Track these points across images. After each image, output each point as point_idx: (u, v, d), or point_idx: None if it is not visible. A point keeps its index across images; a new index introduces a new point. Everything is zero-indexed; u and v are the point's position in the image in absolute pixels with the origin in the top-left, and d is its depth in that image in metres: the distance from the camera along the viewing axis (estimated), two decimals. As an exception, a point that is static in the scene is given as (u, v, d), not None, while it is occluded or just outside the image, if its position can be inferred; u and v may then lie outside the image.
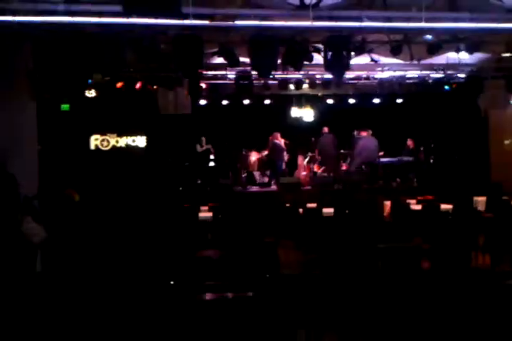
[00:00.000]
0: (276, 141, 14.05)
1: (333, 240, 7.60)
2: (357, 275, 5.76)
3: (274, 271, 5.94)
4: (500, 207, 9.71)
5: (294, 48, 9.24)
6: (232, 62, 9.60)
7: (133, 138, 14.24)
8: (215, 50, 9.17)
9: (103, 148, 14.22)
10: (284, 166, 14.78)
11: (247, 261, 6.06)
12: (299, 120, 14.81)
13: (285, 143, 14.52)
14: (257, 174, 15.36)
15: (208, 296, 4.52)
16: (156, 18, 7.53)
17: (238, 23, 8.08)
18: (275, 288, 4.77)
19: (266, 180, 15.10)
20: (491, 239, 7.26)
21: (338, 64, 9.59)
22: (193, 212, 10.00)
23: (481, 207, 9.94)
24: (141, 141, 14.45)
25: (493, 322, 4.27)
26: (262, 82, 11.63)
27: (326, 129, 14.43)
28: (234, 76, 11.02)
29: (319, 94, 13.18)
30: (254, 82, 11.32)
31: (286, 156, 14.47)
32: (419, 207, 9.90)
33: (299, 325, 4.67)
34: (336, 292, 4.22)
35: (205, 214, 10.11)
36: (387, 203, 11.30)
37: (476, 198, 10.13)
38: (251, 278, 5.16)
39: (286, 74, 11.42)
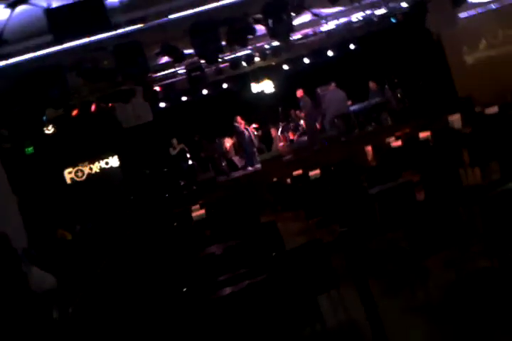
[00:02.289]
0: (236, 124, 14.19)
1: (326, 199, 7.77)
2: (359, 227, 6.00)
3: (280, 248, 6.11)
4: (476, 119, 9.90)
5: (235, 25, 9.24)
6: (178, 58, 9.55)
7: (105, 160, 14.15)
8: (158, 51, 9.10)
9: (79, 179, 14.10)
10: (254, 147, 14.85)
11: (251, 247, 6.21)
12: (261, 94, 14.83)
13: (255, 128, 14.64)
14: (236, 159, 15.51)
15: (226, 291, 4.66)
16: (89, 36, 7.41)
17: (171, 16, 8.02)
18: (285, 265, 4.94)
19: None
20: (475, 153, 7.40)
21: (281, 28, 9.65)
22: (186, 214, 10.16)
23: (458, 125, 10.11)
24: (114, 161, 14.37)
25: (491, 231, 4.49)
26: (214, 68, 11.56)
27: (333, 85, 14.26)
28: (184, 70, 10.94)
29: (273, 63, 13.16)
30: (206, 69, 11.25)
31: (249, 137, 14.51)
32: (399, 142, 10.09)
33: (317, 292, 4.83)
34: (343, 250, 4.38)
35: (198, 212, 10.26)
36: (369, 148, 11.62)
37: (450, 117, 10.31)
38: (259, 262, 5.32)
39: (235, 54, 11.37)
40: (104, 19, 7.04)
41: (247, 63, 11.95)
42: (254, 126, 15.17)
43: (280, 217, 9.65)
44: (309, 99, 13.93)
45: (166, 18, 8.03)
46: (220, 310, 4.50)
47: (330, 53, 13.82)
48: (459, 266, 4.96)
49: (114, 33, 7.59)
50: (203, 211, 10.13)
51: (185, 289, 5.28)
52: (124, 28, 7.68)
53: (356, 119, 14.71)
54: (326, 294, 4.89)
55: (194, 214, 9.97)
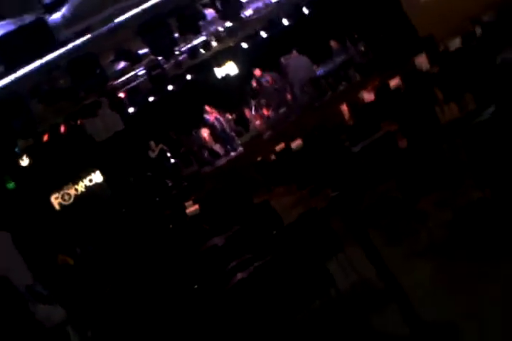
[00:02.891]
0: (205, 116, 14.17)
1: (313, 166, 7.93)
2: (349, 187, 6.14)
3: (279, 225, 6.26)
4: (442, 57, 9.96)
5: (184, 14, 9.15)
6: (134, 60, 9.47)
7: (88, 178, 14.07)
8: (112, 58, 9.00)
9: (67, 203, 14.01)
10: (231, 132, 14.85)
11: (251, 231, 6.35)
12: (227, 78, 14.72)
13: (228, 119, 14.63)
14: (217, 147, 15.51)
15: (237, 278, 4.80)
16: (39, 58, 7.30)
17: (117, 20, 7.91)
18: (287, 240, 5.09)
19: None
20: (447, 90, 7.48)
21: (231, 8, 9.61)
22: (180, 213, 10.27)
23: (425, 66, 10.15)
24: (97, 177, 14.29)
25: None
26: (173, 62, 11.44)
27: (294, 52, 13.99)
28: (144, 71, 10.83)
29: (231, 44, 13.05)
30: (165, 65, 11.15)
31: (221, 124, 14.49)
32: (371, 96, 10.16)
33: (324, 259, 4.90)
34: (339, 213, 4.52)
35: (192, 208, 10.39)
36: (344, 108, 11.69)
37: (416, 60, 10.35)
38: (262, 244, 5.46)
39: (191, 43, 11.26)
40: (51, 38, 6.96)
41: (204, 50, 11.87)
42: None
43: (274, 194, 9.85)
44: (270, 74, 13.89)
45: (112, 23, 7.92)
46: (234, 298, 4.61)
47: (285, 22, 13.73)
48: (453, 203, 5.10)
49: (64, 49, 7.47)
50: (196, 206, 10.21)
51: (196, 286, 5.39)
52: (72, 42, 7.55)
53: (326, 81, 14.68)
54: (334, 259, 5.01)
55: (188, 211, 10.06)
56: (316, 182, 7.54)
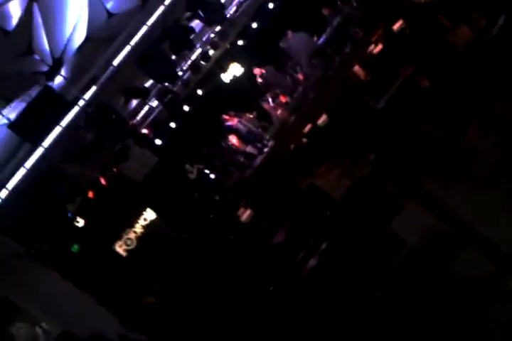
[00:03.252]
0: (226, 124, 14.19)
1: (345, 135, 7.83)
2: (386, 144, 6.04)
3: (330, 204, 6.25)
4: None
5: (174, 35, 9.12)
6: (144, 95, 9.52)
7: (142, 218, 14.27)
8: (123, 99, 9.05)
9: (132, 247, 14.25)
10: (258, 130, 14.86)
11: (307, 218, 6.37)
12: (235, 80, 14.62)
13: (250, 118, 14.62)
14: (249, 149, 15.60)
15: (311, 264, 4.84)
16: (59, 124, 7.38)
17: (115, 63, 7.92)
18: (343, 215, 5.04)
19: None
20: (452, 15, 7.21)
21: (214, 13, 9.53)
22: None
23: None
24: (150, 214, 14.49)
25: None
26: (180, 83, 11.42)
27: (289, 33, 14.08)
28: (157, 103, 10.88)
29: (228, 46, 12.95)
30: (175, 89, 11.15)
31: (245, 126, 14.50)
32: (379, 47, 9.99)
33: (387, 221, 4.86)
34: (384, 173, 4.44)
35: (246, 214, 10.93)
36: (357, 68, 11.52)
37: None
38: (321, 226, 5.45)
39: (190, 59, 11.22)
40: (62, 101, 7.00)
41: (205, 61, 11.79)
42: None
43: (317, 176, 9.83)
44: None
45: (111, 67, 7.93)
46: (312, 284, 4.63)
47: (271, 6, 13.52)
48: (496, 127, 4.90)
49: (76, 108, 7.52)
50: (248, 210, 10.38)
51: (271, 287, 5.43)
52: (82, 98, 7.59)
53: (330, 48, 14.46)
54: (397, 218, 4.93)
55: (243, 218, 10.21)
56: (352, 150, 7.55)
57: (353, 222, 4.93)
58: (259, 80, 14.73)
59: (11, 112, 6.50)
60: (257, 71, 13.69)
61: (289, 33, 14.45)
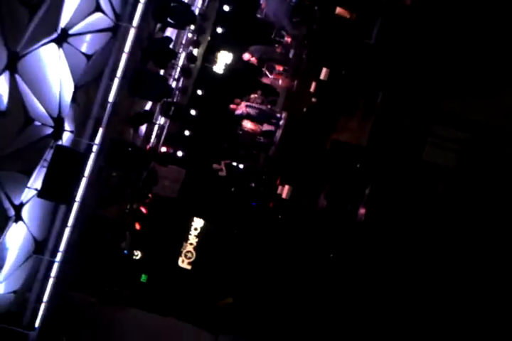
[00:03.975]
0: (236, 112, 14.23)
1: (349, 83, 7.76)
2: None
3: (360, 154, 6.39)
4: None
5: (153, 50, 9.20)
6: (147, 117, 9.71)
7: (193, 228, 14.82)
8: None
9: (193, 258, 14.80)
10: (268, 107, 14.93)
11: (341, 175, 6.55)
12: (229, 68, 14.64)
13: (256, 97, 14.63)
14: (265, 127, 15.71)
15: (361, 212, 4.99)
16: (80, 177, 7.61)
17: (111, 100, 8.04)
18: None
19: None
20: None
21: (182, 15, 9.51)
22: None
23: None
24: (199, 223, 15.00)
25: None
26: (177, 91, 11.53)
27: (262, 2, 13.93)
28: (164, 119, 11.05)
29: (209, 38, 12.99)
30: (175, 100, 11.28)
31: (254, 107, 14.52)
32: None
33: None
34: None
35: (285, 190, 11.28)
36: (339, 10, 11.34)
37: None
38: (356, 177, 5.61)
39: (178, 65, 11.28)
40: (77, 155, 7.20)
41: (192, 62, 11.82)
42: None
43: (340, 130, 9.96)
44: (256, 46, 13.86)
45: (109, 104, 8.07)
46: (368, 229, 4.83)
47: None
48: None
49: (92, 155, 7.73)
50: (286, 186, 10.69)
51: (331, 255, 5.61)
52: (94, 144, 7.78)
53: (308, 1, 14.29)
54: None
55: (284, 194, 10.49)
56: (361, 94, 7.64)
57: (386, 162, 5.09)
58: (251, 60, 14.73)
59: (36, 182, 6.74)
60: (245, 56, 13.65)
61: (262, 2, 14.32)
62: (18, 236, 6.87)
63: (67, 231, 7.58)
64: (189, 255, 14.49)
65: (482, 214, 5.02)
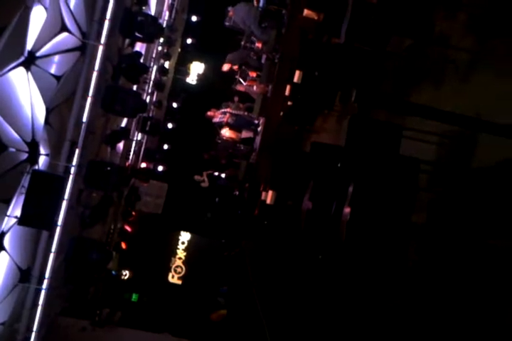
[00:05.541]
0: (213, 121, 14.26)
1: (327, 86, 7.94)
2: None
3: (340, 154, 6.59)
4: None
5: (123, 66, 9.17)
6: (125, 134, 9.62)
7: (180, 242, 14.74)
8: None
9: (183, 272, 14.75)
10: (244, 113, 14.98)
11: (323, 177, 6.67)
12: (202, 78, 14.69)
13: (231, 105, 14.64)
14: (244, 134, 15.73)
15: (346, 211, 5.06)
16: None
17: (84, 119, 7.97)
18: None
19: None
20: None
21: (149, 28, 9.49)
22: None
23: None
24: (185, 236, 14.96)
25: None
26: (152, 106, 11.48)
27: (230, 8, 13.96)
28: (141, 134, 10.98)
29: (179, 50, 12.98)
30: (151, 115, 11.23)
31: (231, 116, 14.54)
32: None
33: None
34: None
35: (269, 196, 11.06)
36: (307, 12, 11.43)
37: None
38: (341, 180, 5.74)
39: (150, 80, 11.24)
40: (55, 178, 7.11)
41: (164, 74, 11.80)
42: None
43: (316, 132, 10.15)
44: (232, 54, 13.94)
45: (83, 124, 8.00)
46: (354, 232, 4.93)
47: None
48: None
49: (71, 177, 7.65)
50: (270, 192, 10.70)
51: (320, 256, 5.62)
52: (71, 166, 7.70)
53: (273, 6, 14.42)
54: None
55: (268, 200, 10.48)
56: (336, 93, 7.71)
57: (366, 159, 5.16)
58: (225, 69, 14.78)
59: (15, 209, 6.64)
60: (225, 67, 13.71)
61: (229, 10, 14.38)
62: (1, 266, 6.75)
63: (51, 257, 7.47)
64: (179, 270, 14.40)
65: (463, 205, 5.12)
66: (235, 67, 13.38)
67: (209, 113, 13.85)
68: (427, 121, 4.99)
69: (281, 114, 12.96)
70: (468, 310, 4.62)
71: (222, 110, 14.62)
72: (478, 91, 4.98)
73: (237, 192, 14.86)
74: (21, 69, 6.45)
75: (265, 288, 10.18)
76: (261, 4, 14.31)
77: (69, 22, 7.37)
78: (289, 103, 12.16)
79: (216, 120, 14.34)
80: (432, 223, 5.30)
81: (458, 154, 5.19)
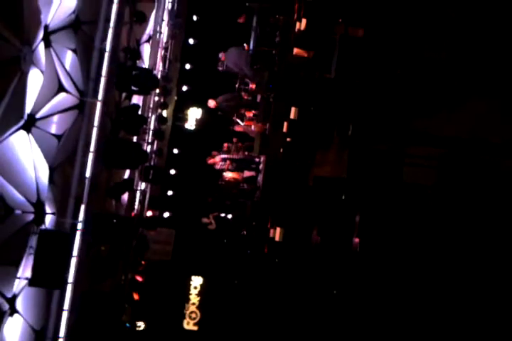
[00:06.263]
0: (215, 167, 14.49)
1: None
2: None
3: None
4: None
5: (122, 120, 9.34)
6: (129, 187, 9.69)
7: (192, 286, 14.70)
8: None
9: (198, 318, 14.61)
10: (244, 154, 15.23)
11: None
12: (202, 122, 14.92)
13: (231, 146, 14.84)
14: (247, 174, 15.89)
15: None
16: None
17: (87, 174, 8.05)
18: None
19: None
20: None
21: (145, 80, 9.69)
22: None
23: None
24: (198, 281, 14.87)
25: None
26: (153, 158, 11.63)
27: (221, 54, 14.26)
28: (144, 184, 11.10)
29: (175, 98, 13.24)
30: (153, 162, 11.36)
31: (232, 157, 14.81)
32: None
33: None
34: None
35: (277, 232, 11.38)
36: (296, 50, 11.85)
37: None
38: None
39: (148, 131, 11.42)
40: (63, 236, 7.14)
41: (163, 123, 11.99)
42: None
43: (318, 163, 10.33)
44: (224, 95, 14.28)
45: (87, 180, 8.09)
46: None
47: (191, 42, 13.77)
48: None
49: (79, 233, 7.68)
50: (278, 229, 10.80)
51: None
52: (78, 222, 7.75)
53: (264, 46, 14.92)
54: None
55: (277, 237, 10.57)
56: (334, 127, 7.89)
57: (370, 189, 5.19)
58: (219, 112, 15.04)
59: (25, 270, 6.64)
60: (210, 104, 14.01)
61: (221, 56, 14.76)
62: (15, 329, 6.70)
63: (64, 315, 7.43)
64: (193, 315, 14.24)
65: (471, 221, 5.18)
66: (214, 106, 13.65)
67: (210, 160, 13.99)
68: (424, 148, 5.08)
69: (281, 150, 13.17)
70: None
71: (222, 156, 14.77)
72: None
73: (245, 232, 14.87)
74: (22, 133, 6.57)
75: (284, 326, 10.08)
76: (251, 46, 14.73)
77: (66, 82, 7.54)
78: (288, 139, 12.38)
79: (218, 167, 14.53)
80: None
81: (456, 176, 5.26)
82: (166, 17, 11.30)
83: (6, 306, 6.37)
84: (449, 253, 5.92)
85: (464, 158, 5.27)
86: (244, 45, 15.08)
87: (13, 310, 6.53)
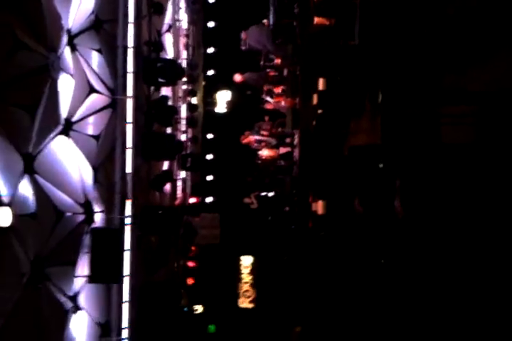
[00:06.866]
0: (251, 145, 14.51)
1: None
2: None
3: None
4: None
5: (154, 112, 9.41)
6: (169, 178, 9.79)
7: (243, 266, 14.88)
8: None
9: (254, 297, 14.86)
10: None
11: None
12: (231, 105, 14.93)
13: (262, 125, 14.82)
14: (282, 150, 15.92)
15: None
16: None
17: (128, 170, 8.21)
18: None
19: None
20: None
21: (171, 71, 9.70)
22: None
23: None
24: (247, 259, 15.07)
25: None
26: (188, 143, 11.73)
27: (243, 33, 14.15)
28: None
29: (203, 84, 13.26)
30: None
31: (266, 136, 14.74)
32: None
33: None
34: None
35: (319, 206, 11.36)
36: (317, 19, 11.54)
37: None
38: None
39: (181, 120, 11.52)
40: (113, 232, 7.36)
41: (194, 110, 12.08)
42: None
43: (352, 132, 10.14)
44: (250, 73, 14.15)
45: (130, 170, 8.25)
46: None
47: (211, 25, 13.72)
48: None
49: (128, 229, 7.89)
50: (320, 202, 10.86)
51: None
52: (125, 217, 7.94)
53: (284, 17, 14.68)
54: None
55: (320, 211, 10.57)
56: (364, 95, 7.81)
57: (407, 151, 5.20)
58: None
59: (82, 268, 6.90)
60: (236, 78, 13.93)
61: (243, 35, 14.64)
62: (81, 325, 6.99)
63: (125, 307, 7.70)
64: (248, 294, 14.52)
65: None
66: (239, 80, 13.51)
67: (245, 140, 14.04)
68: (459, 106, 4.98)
69: (314, 123, 13.08)
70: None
71: (256, 137, 14.76)
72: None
73: (288, 208, 14.97)
74: (62, 137, 6.74)
75: (336, 299, 10.14)
76: (271, 21, 14.53)
77: (96, 83, 7.66)
78: (319, 111, 12.27)
79: (253, 146, 14.56)
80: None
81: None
82: (183, 4, 11.24)
83: (70, 304, 6.65)
84: (497, 214, 5.86)
85: (500, 111, 5.17)
86: (264, 21, 14.91)
87: (77, 307, 6.81)
